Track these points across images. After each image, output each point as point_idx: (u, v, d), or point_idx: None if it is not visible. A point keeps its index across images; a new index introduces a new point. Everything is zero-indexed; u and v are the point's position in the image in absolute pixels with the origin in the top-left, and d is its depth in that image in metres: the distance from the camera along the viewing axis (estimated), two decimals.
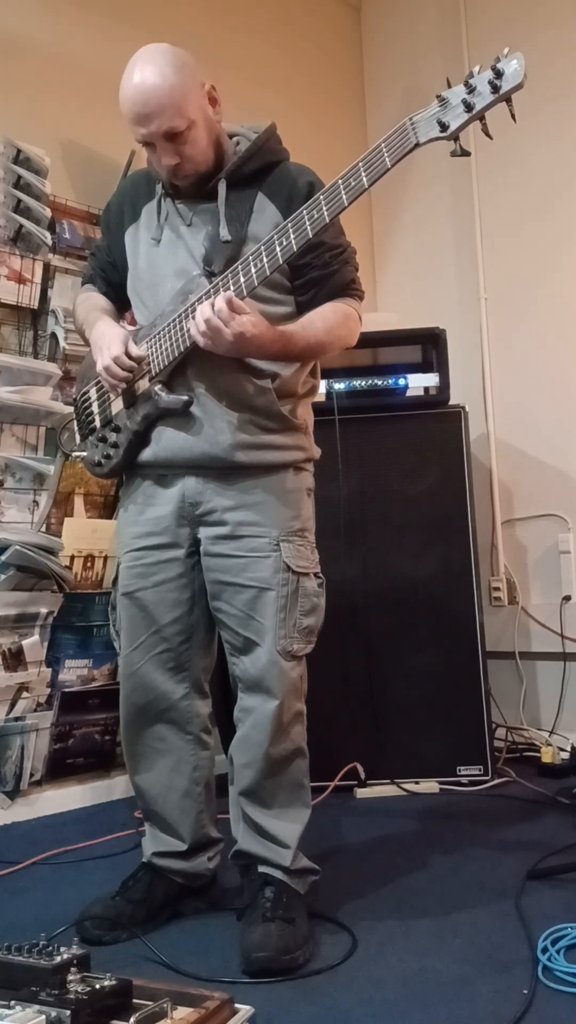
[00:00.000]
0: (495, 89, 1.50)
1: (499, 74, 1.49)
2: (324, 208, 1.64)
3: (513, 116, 1.52)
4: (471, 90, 1.52)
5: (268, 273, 1.70)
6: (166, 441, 1.84)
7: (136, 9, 3.21)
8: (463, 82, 1.54)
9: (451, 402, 3.06)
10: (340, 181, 1.63)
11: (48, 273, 2.83)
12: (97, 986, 1.23)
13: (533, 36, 3.44)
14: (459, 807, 2.69)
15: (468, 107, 1.53)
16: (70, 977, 1.24)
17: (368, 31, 4.17)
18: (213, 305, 1.67)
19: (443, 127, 1.55)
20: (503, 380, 3.60)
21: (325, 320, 1.83)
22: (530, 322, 3.51)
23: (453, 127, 1.55)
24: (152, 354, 1.84)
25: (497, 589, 3.53)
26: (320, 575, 1.88)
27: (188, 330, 1.75)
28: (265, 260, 1.69)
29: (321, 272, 1.85)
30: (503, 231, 3.61)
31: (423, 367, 3.11)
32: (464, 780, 2.88)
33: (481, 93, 1.52)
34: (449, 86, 1.55)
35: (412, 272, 3.94)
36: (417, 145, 1.57)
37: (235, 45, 3.52)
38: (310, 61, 3.90)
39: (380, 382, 3.05)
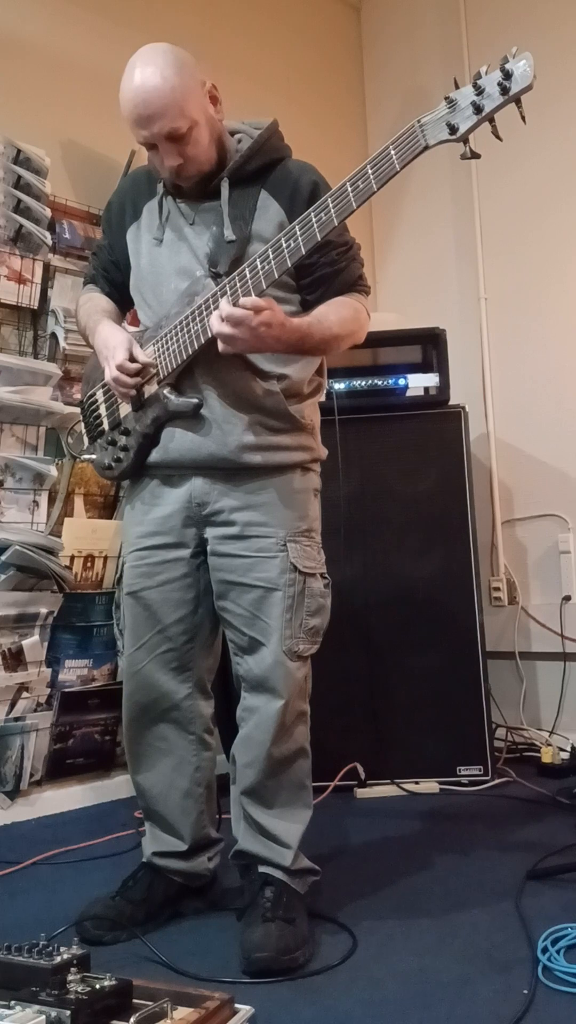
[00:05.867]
0: (504, 90, 1.47)
1: (508, 75, 1.46)
2: (332, 210, 1.62)
3: (523, 117, 1.49)
4: (480, 91, 1.49)
5: (276, 276, 1.69)
6: (175, 443, 1.84)
7: (136, 9, 3.21)
8: (471, 83, 1.50)
9: (451, 402, 3.06)
10: (348, 183, 1.60)
11: (48, 273, 2.83)
12: (97, 986, 1.23)
13: (534, 37, 3.42)
14: (459, 807, 2.69)
15: (477, 109, 1.50)
16: (70, 977, 1.24)
17: (368, 31, 4.17)
18: (233, 305, 1.65)
19: (452, 129, 1.52)
20: (503, 380, 3.60)
21: (338, 314, 1.82)
22: (530, 322, 3.51)
23: (462, 130, 1.52)
24: (159, 357, 1.83)
25: (497, 589, 3.53)
26: (326, 575, 1.88)
27: (200, 330, 1.74)
28: (273, 262, 1.68)
29: (329, 270, 1.84)
30: (503, 231, 3.61)
31: (423, 367, 3.11)
32: (464, 780, 2.87)
33: (490, 95, 1.49)
34: (457, 87, 1.52)
35: (412, 272, 3.94)
36: (426, 147, 1.55)
37: (235, 45, 3.51)
38: (310, 61, 3.89)
39: (380, 382, 3.05)
